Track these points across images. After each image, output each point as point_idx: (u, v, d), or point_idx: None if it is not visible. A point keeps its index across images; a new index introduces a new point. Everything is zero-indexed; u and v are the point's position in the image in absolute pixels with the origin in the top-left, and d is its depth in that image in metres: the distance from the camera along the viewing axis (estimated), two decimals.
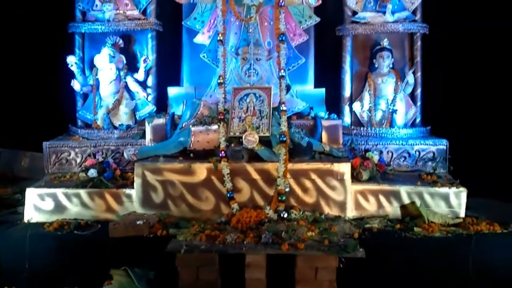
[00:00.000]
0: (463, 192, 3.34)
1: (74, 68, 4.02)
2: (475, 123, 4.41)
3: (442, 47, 4.36)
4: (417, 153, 3.90)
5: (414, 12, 4.11)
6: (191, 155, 3.48)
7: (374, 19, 4.03)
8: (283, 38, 3.74)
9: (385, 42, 4.04)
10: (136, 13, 4.10)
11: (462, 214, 3.32)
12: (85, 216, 3.35)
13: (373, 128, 4.02)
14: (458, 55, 4.43)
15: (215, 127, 3.51)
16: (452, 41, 4.42)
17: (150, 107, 4.11)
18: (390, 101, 4.04)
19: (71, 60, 4.01)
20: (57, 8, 4.39)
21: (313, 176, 3.32)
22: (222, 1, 3.80)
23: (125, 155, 3.59)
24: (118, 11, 4.03)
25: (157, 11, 4.15)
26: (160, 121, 3.83)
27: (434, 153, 3.87)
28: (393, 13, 4.00)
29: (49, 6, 4.45)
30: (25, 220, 3.35)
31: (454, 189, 3.35)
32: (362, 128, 4.06)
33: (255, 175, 3.34)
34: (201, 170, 3.35)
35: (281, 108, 3.53)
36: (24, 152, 4.39)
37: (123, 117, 4.11)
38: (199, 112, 3.68)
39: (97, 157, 3.71)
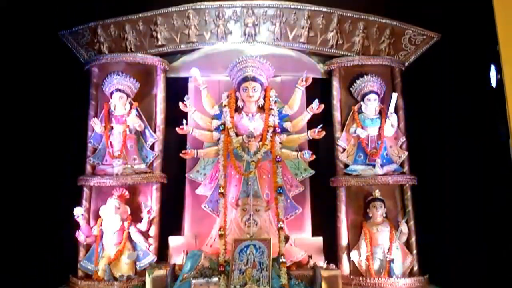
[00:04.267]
0: None
1: (80, 220, 4.16)
2: (472, 267, 4.44)
3: (432, 195, 4.59)
4: None
5: (402, 164, 4.42)
6: None
7: (365, 172, 4.31)
8: (281, 191, 3.99)
9: (377, 193, 4.27)
10: (143, 167, 4.37)
11: None
12: None
13: (372, 278, 4.05)
14: (449, 202, 4.64)
15: (215, 279, 3.56)
16: (441, 189, 4.67)
17: (151, 257, 4.17)
18: (387, 250, 4.14)
19: (78, 211, 4.16)
20: (67, 160, 4.67)
21: None
22: (224, 156, 4.13)
23: None
24: (126, 166, 4.31)
25: (162, 164, 4.43)
26: (161, 272, 3.85)
27: None
28: (382, 166, 4.30)
29: (59, 158, 4.73)
30: None
31: None
32: (361, 278, 4.09)
33: None
34: None
35: (281, 260, 3.62)
36: None
37: (123, 267, 4.13)
38: (200, 263, 3.75)
39: None
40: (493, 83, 4.14)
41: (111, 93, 4.35)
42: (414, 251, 4.25)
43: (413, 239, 4.27)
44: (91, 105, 4.46)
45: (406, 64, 4.68)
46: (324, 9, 4.60)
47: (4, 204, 4.63)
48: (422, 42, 4.68)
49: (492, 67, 4.15)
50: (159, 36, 4.60)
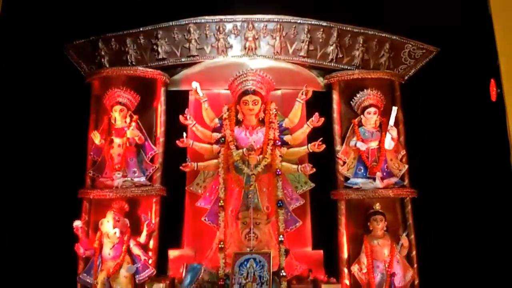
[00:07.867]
0: None
1: (79, 233, 4.14)
2: (473, 281, 4.41)
3: (433, 209, 4.57)
4: None
5: (402, 178, 4.41)
6: None
7: (365, 185, 4.30)
8: (281, 204, 3.98)
9: (377, 206, 4.25)
10: (142, 179, 4.35)
11: None
12: None
13: None
14: (450, 214, 4.63)
15: None
16: (442, 202, 4.65)
17: (150, 271, 4.13)
18: (387, 264, 4.11)
19: (78, 224, 4.14)
20: (67, 172, 4.65)
21: None
22: (224, 169, 4.12)
23: None
24: (126, 178, 4.30)
25: (162, 177, 4.41)
26: (160, 286, 3.86)
27: None
28: (382, 179, 4.29)
29: (59, 171, 4.71)
30: None
31: None
32: None
33: None
34: None
35: (281, 274, 3.60)
36: None
37: (122, 280, 4.09)
38: (200, 277, 3.74)
39: None
40: (493, 97, 4.16)
41: (112, 106, 4.36)
42: (415, 265, 4.23)
43: (414, 252, 4.25)
44: (91, 118, 4.47)
45: (406, 77, 4.70)
46: (324, 24, 4.63)
47: (3, 216, 4.62)
48: (421, 56, 4.71)
49: (492, 81, 4.17)
50: (159, 49, 4.63)
